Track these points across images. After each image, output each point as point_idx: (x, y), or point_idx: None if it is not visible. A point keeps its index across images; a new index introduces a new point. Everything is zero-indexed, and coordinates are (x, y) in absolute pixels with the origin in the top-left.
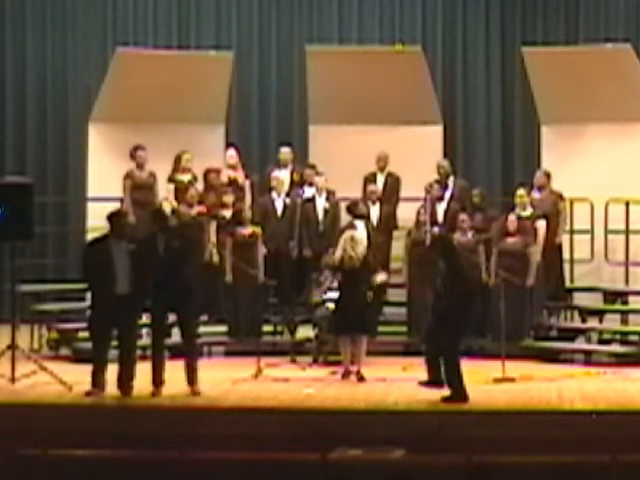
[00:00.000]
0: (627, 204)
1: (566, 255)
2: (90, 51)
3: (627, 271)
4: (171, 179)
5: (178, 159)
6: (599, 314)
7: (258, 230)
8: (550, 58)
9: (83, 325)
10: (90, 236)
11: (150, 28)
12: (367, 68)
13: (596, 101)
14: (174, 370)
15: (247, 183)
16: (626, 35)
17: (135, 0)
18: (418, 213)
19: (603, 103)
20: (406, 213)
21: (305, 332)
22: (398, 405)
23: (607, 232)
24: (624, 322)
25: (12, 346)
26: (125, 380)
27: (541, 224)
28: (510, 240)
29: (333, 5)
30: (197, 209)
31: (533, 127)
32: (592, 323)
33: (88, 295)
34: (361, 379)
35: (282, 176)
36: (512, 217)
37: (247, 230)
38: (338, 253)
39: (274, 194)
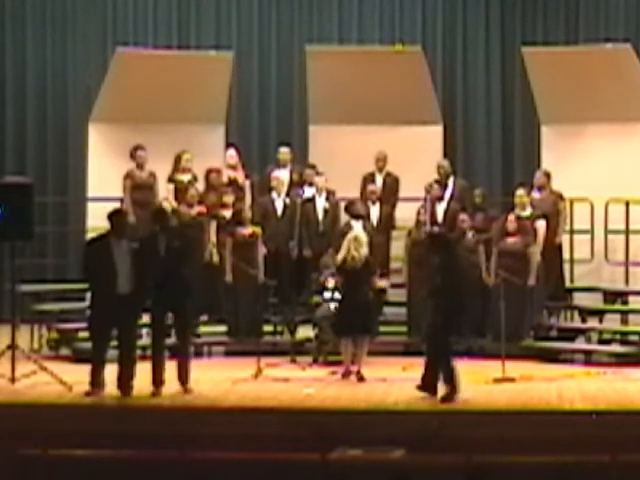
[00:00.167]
0: (627, 204)
1: (566, 255)
2: (90, 51)
3: (627, 271)
4: (171, 179)
5: (178, 159)
6: (599, 314)
7: (258, 230)
8: (550, 58)
9: (83, 325)
10: (90, 236)
11: (150, 28)
12: (367, 68)
13: (596, 101)
14: (174, 370)
15: (247, 183)
16: (626, 35)
17: (135, 0)
18: (418, 213)
19: (603, 103)
20: (406, 213)
21: (305, 332)
22: (398, 405)
23: (607, 232)
24: (624, 322)
25: (12, 346)
26: (125, 380)
27: (541, 224)
28: (510, 240)
29: (333, 5)
30: (197, 209)
31: (533, 127)
32: (592, 323)
33: (88, 295)
34: (361, 379)
35: (282, 176)
36: (512, 217)
37: (247, 230)
38: (342, 253)
39: (274, 194)
